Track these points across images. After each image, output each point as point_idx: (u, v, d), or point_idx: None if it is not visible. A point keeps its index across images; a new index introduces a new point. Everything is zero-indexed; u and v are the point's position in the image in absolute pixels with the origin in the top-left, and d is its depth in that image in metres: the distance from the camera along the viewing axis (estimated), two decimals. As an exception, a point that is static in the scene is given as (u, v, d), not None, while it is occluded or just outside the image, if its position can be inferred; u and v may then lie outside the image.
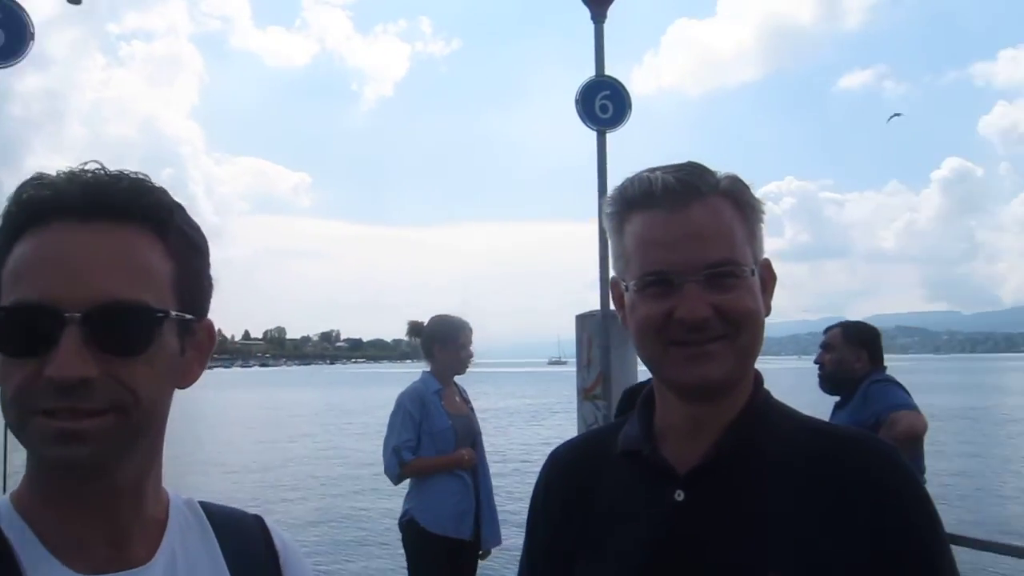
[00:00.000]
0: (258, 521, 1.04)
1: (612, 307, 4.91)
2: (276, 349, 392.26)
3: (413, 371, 5.02)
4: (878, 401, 3.76)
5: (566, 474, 1.26)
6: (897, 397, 3.77)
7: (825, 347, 4.07)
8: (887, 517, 1.01)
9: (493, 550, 4.58)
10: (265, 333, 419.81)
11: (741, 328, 1.06)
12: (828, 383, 4.06)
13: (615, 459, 1.18)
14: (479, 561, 4.55)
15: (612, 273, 1.19)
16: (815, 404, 3.86)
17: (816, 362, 4.10)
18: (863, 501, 1.02)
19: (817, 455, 1.08)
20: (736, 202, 1.10)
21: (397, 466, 4.27)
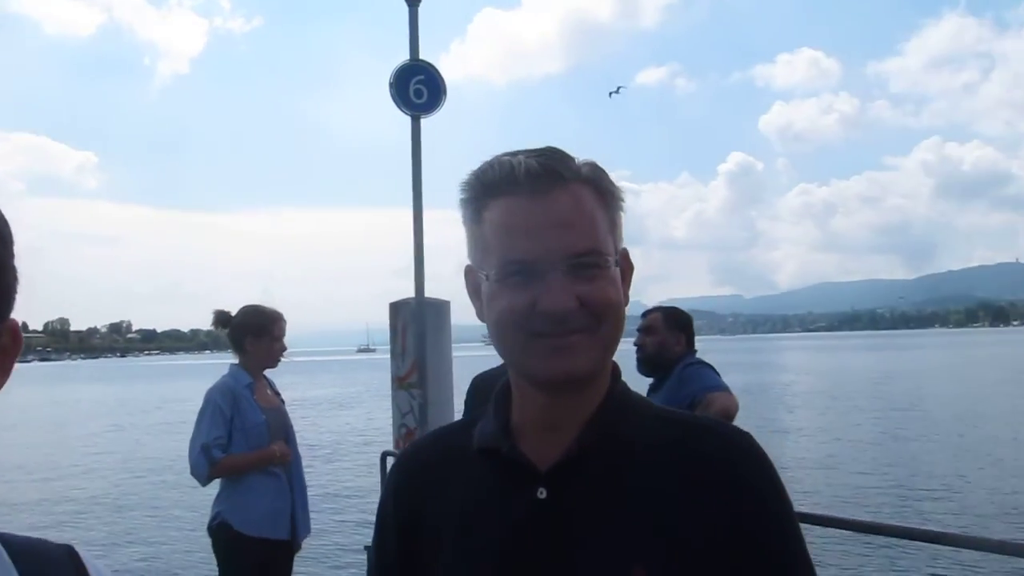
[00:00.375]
0: (69, 553, 0.86)
1: (428, 295, 4.86)
2: (59, 342, 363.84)
3: (212, 363, 4.73)
4: (693, 383, 3.91)
5: (416, 476, 1.18)
6: (711, 379, 3.94)
7: (645, 330, 4.18)
8: (745, 502, 1.01)
9: (313, 549, 4.43)
10: (46, 325, 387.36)
11: (603, 319, 1.02)
12: (647, 365, 4.18)
13: (470, 458, 1.12)
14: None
15: (468, 262, 1.11)
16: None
17: (636, 344, 4.21)
18: (722, 488, 1.01)
19: (676, 445, 1.06)
20: (597, 189, 1.05)
21: (206, 465, 4.00)
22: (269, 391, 4.38)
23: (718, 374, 4.00)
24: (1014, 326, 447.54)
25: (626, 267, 1.10)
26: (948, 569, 8.87)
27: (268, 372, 4.43)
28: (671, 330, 4.13)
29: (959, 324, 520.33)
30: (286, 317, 4.43)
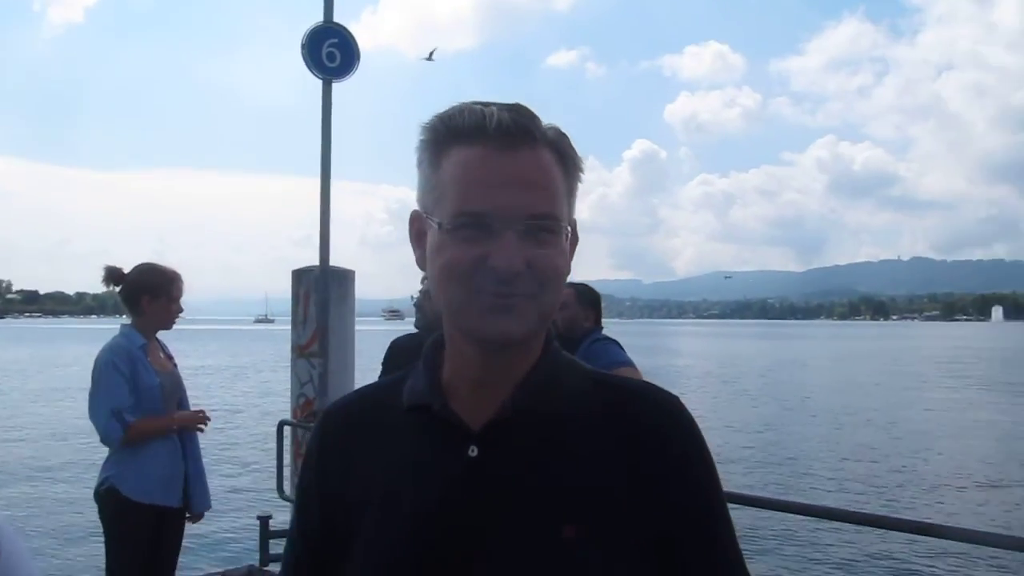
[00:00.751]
0: None
1: (332, 263, 4.77)
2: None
3: (99, 328, 4.48)
4: (600, 358, 3.97)
5: (342, 436, 1.13)
6: (618, 355, 4.01)
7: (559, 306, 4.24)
8: (673, 464, 1.03)
9: (206, 518, 4.34)
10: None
11: (547, 287, 0.99)
12: (559, 341, 4.23)
13: (399, 415, 1.08)
14: (188, 524, 4.26)
15: (416, 207, 1.06)
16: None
17: None
18: (652, 450, 1.03)
19: (607, 407, 1.06)
20: (561, 155, 1.02)
21: (120, 430, 3.80)
22: (162, 354, 4.19)
23: (623, 350, 4.08)
24: (893, 320, 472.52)
25: (574, 238, 1.07)
26: (830, 541, 9.37)
27: (161, 335, 4.27)
28: (582, 306, 4.19)
29: (843, 316, 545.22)
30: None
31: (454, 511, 1.00)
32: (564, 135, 1.04)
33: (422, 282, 4.28)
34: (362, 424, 1.13)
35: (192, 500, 4.16)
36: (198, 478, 4.21)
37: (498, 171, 0.97)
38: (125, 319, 4.17)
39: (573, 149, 1.04)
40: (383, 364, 3.67)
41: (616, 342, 4.12)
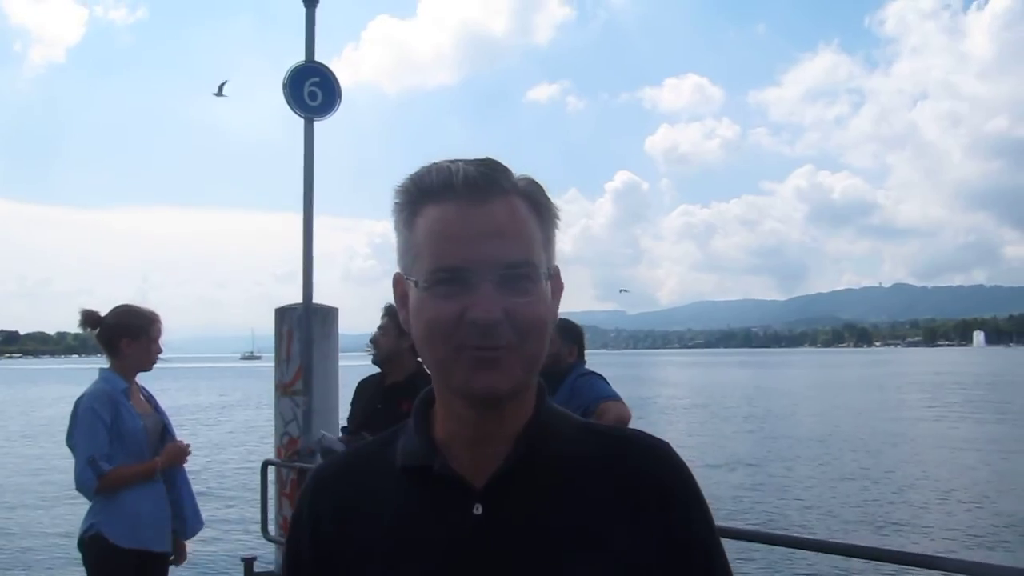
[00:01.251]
0: None
1: (316, 299, 4.76)
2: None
3: (79, 368, 4.42)
4: (586, 393, 3.96)
5: (336, 498, 1.10)
6: (603, 389, 4.00)
7: None
8: (673, 512, 1.05)
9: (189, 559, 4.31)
10: None
11: (528, 337, 0.99)
12: (541, 376, 4.20)
13: (394, 477, 1.07)
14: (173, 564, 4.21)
15: (397, 269, 1.07)
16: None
17: None
18: (651, 498, 1.04)
19: (604, 456, 1.07)
20: (535, 204, 1.04)
21: (94, 479, 3.75)
22: (142, 396, 4.15)
23: (608, 384, 4.07)
24: (876, 347, 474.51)
25: (557, 285, 1.08)
26: (822, 574, 9.31)
27: (141, 377, 4.22)
28: (565, 341, 4.18)
29: (826, 344, 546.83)
30: (164, 320, 4.20)
31: (464, 572, 1.00)
32: (537, 184, 1.05)
33: (382, 318, 4.27)
34: (355, 486, 1.10)
35: (186, 524, 4.15)
36: (189, 500, 4.19)
37: (469, 224, 0.98)
38: (104, 362, 4.10)
39: (547, 197, 1.05)
40: (351, 404, 3.61)
41: (601, 376, 4.11)
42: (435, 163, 1.02)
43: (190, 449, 4.21)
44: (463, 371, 0.98)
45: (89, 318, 4.08)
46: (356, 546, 1.06)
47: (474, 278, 0.97)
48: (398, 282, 1.07)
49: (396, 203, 1.04)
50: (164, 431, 4.17)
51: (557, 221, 1.07)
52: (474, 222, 0.98)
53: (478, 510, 1.02)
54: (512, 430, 1.05)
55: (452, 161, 1.02)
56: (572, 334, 4.25)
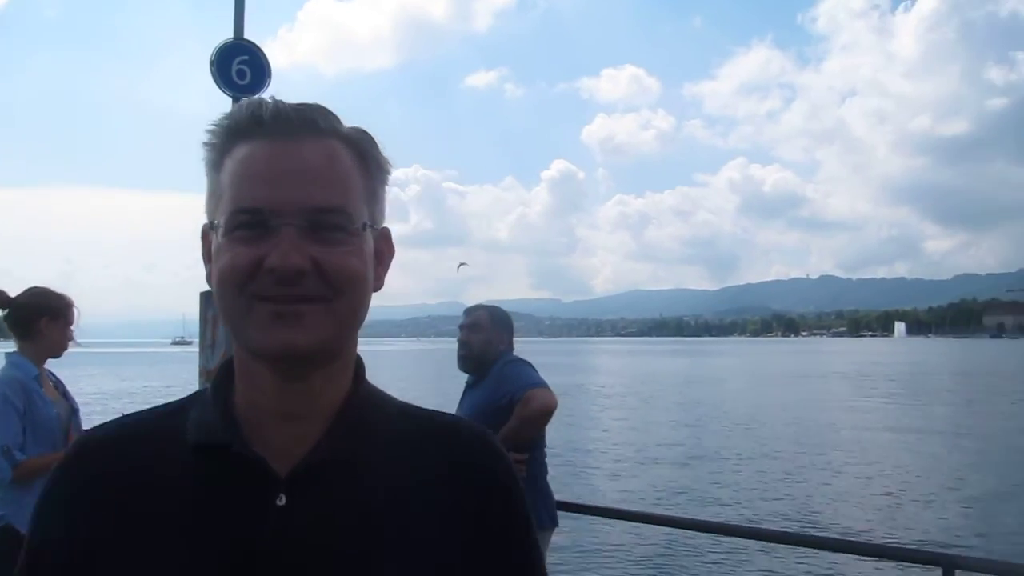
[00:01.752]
0: None
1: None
2: None
3: None
4: (513, 380, 3.95)
5: (107, 476, 0.90)
6: (531, 377, 4.00)
7: (471, 328, 4.18)
8: (492, 502, 0.97)
9: None
10: None
11: (342, 291, 0.87)
12: (472, 363, 4.18)
13: (183, 454, 0.90)
14: None
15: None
16: (431, 383, 4.01)
17: (461, 341, 4.21)
18: (473, 487, 0.96)
19: (424, 446, 0.97)
20: (360, 153, 0.92)
21: (8, 468, 3.59)
22: (51, 382, 3.97)
23: (536, 371, 4.07)
24: (803, 336, 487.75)
25: (386, 248, 0.98)
26: (741, 559, 9.52)
27: (53, 364, 4.03)
28: (496, 329, 4.17)
29: (755, 333, 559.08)
30: (82, 304, 4.02)
31: (261, 570, 0.85)
32: (367, 134, 0.94)
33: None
34: (133, 464, 0.90)
35: None
36: None
37: (276, 162, 0.86)
38: (11, 347, 3.88)
39: (377, 149, 0.94)
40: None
41: (529, 363, 4.11)
42: (249, 98, 0.91)
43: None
44: (257, 325, 0.85)
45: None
46: (129, 537, 0.87)
47: (275, 221, 0.84)
48: (205, 235, 0.92)
49: (204, 143, 0.91)
50: (74, 419, 4.02)
51: (386, 177, 0.96)
52: (281, 160, 0.86)
53: (281, 500, 0.87)
54: (324, 407, 0.92)
55: (272, 98, 0.90)
56: (503, 321, 4.24)
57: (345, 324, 0.89)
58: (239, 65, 5.47)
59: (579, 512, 4.45)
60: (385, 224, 0.98)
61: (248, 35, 5.66)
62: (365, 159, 0.93)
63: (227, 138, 0.89)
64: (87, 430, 0.97)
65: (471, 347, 4.15)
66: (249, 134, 0.88)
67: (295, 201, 0.85)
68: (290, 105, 0.89)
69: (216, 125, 0.90)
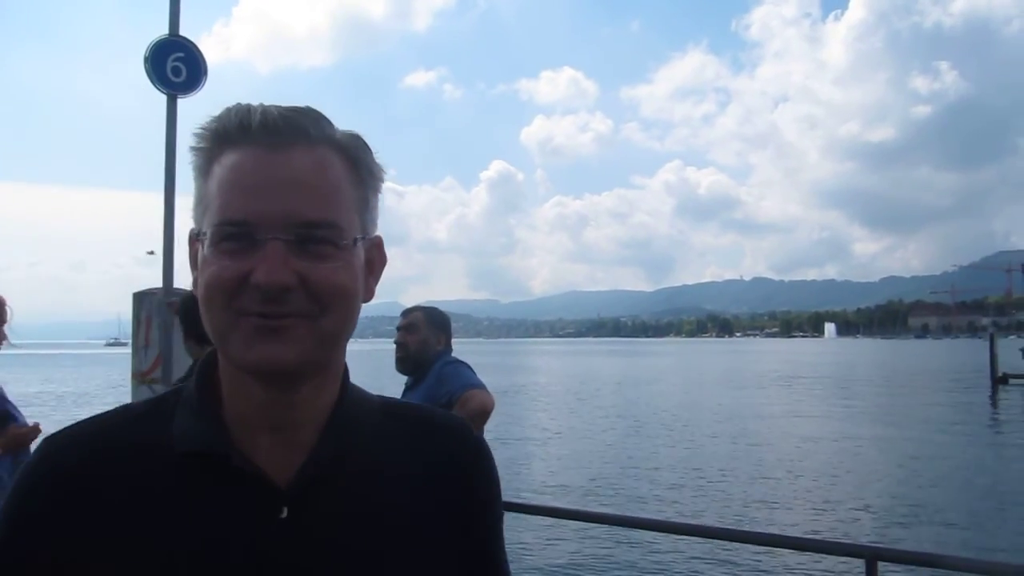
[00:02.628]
0: None
1: (177, 285, 4.57)
2: None
3: None
4: (451, 381, 3.97)
5: (85, 485, 0.85)
6: (469, 377, 4.02)
7: (408, 329, 4.17)
8: (477, 493, 1.02)
9: None
10: None
11: (329, 308, 0.84)
12: (409, 364, 4.17)
13: (169, 461, 0.86)
14: None
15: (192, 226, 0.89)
16: (371, 384, 4.02)
17: (397, 343, 4.21)
18: (457, 484, 0.99)
19: (409, 446, 0.99)
20: (352, 160, 0.89)
21: None
22: None
23: (474, 372, 4.10)
24: (737, 336, 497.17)
25: (377, 258, 0.95)
26: (676, 555, 9.69)
27: None
28: (432, 329, 4.18)
29: (691, 333, 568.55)
30: (11, 302, 3.92)
31: None
32: (359, 139, 0.91)
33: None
34: (115, 473, 0.86)
35: None
36: None
37: (263, 173, 0.83)
38: None
39: (369, 155, 0.91)
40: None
41: (466, 364, 4.14)
42: (238, 103, 0.87)
43: (39, 429, 3.86)
44: (242, 340, 0.83)
45: None
46: (120, 556, 0.82)
47: (261, 234, 0.82)
48: (192, 241, 0.89)
49: (192, 147, 0.88)
50: (7, 416, 3.93)
51: (380, 184, 0.93)
52: (269, 171, 0.83)
53: (283, 513, 0.86)
54: (314, 417, 0.91)
55: (261, 104, 0.87)
56: (439, 321, 4.26)
57: (331, 339, 0.87)
58: (174, 62, 5.36)
59: (517, 511, 4.49)
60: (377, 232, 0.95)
61: (183, 30, 5.58)
62: (357, 166, 0.90)
63: (215, 143, 0.86)
64: (52, 434, 0.90)
65: (408, 348, 4.15)
66: (237, 141, 0.85)
67: (283, 214, 0.82)
68: (279, 111, 0.85)
69: (204, 129, 0.87)
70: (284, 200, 0.82)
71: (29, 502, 0.84)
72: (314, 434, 0.91)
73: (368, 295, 0.93)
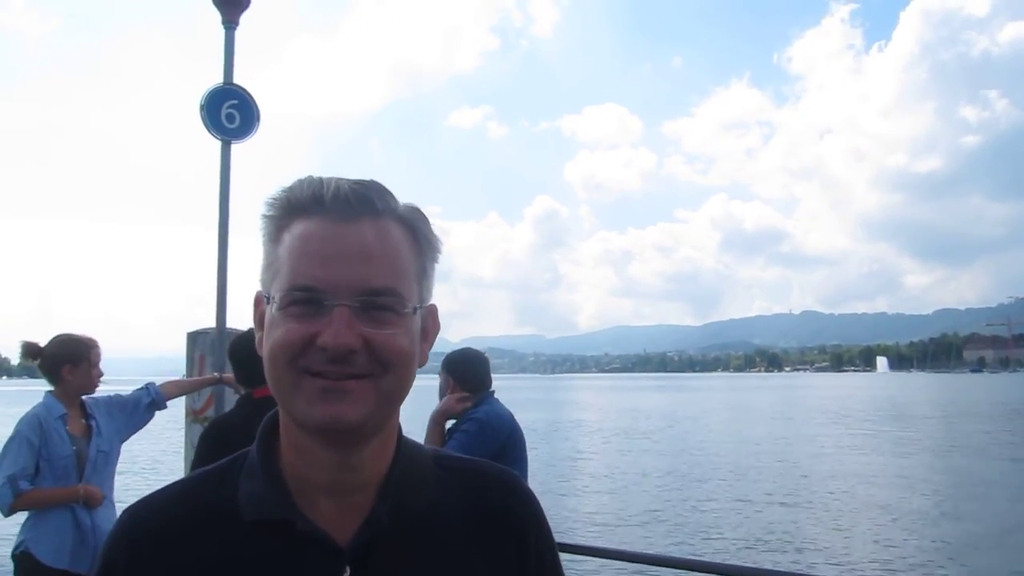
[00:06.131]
0: None
1: (230, 324, 4.69)
2: None
3: (35, 389, 4.55)
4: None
5: (162, 554, 0.92)
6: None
7: (442, 390, 4.28)
8: (531, 544, 1.05)
9: None
10: None
11: (389, 368, 0.90)
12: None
13: (237, 529, 0.93)
14: None
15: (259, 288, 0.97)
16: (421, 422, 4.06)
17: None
18: (511, 536, 1.04)
19: (463, 501, 1.04)
20: (413, 232, 0.96)
21: (11, 496, 3.95)
22: (82, 420, 4.31)
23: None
24: (787, 371, 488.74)
25: (432, 326, 1.01)
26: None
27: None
28: (459, 384, 4.22)
29: (739, 368, 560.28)
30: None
31: None
32: (419, 212, 0.98)
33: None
34: (187, 541, 0.93)
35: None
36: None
37: (333, 243, 0.89)
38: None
39: (428, 227, 0.98)
40: (201, 451, 3.22)
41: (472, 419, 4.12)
42: (309, 176, 0.95)
43: (100, 497, 4.21)
44: (306, 399, 0.89)
45: (30, 350, 4.31)
46: None
47: (329, 300, 0.88)
48: (258, 302, 0.96)
49: (264, 215, 0.95)
50: (101, 457, 4.27)
51: (437, 255, 1.00)
52: (338, 241, 0.89)
53: (347, 573, 0.92)
54: (372, 477, 0.97)
55: (330, 178, 0.94)
56: (461, 373, 4.28)
57: (390, 399, 0.93)
58: (228, 109, 5.53)
59: (566, 552, 4.46)
60: (432, 301, 1.02)
61: (236, 73, 5.74)
62: (417, 238, 0.96)
63: (286, 213, 0.93)
64: (129, 507, 0.98)
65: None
66: (308, 211, 0.91)
67: (350, 282, 0.88)
68: (349, 185, 0.92)
69: (275, 199, 0.94)
70: (351, 269, 0.89)
71: (111, 561, 0.93)
72: (372, 494, 0.97)
73: (422, 359, 0.99)
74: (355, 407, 0.89)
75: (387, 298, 0.90)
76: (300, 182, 0.94)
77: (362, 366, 0.89)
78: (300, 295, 0.89)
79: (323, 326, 0.88)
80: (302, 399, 0.89)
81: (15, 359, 4.54)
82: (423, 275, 0.97)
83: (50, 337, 4.35)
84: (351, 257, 0.89)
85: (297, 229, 0.91)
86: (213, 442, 3.08)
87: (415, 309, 0.94)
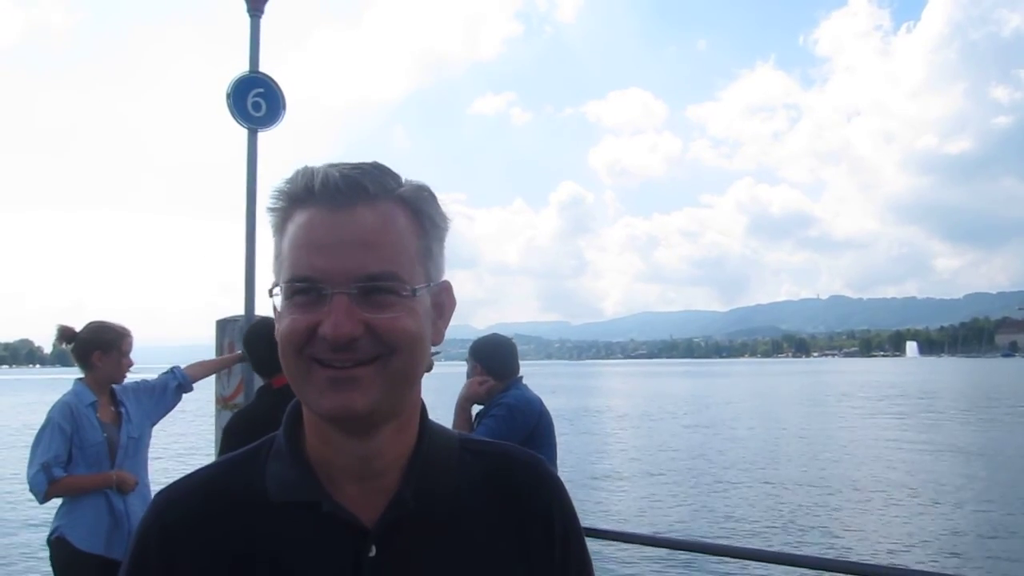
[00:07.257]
0: None
1: (258, 312, 4.75)
2: None
3: (65, 377, 4.63)
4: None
5: (201, 545, 0.94)
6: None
7: (470, 375, 4.30)
8: (557, 528, 1.06)
9: None
10: None
11: (396, 349, 0.91)
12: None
13: (271, 512, 0.96)
14: None
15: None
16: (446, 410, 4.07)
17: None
18: (537, 519, 1.05)
19: (488, 480, 1.05)
20: (414, 212, 0.95)
21: (45, 483, 4.02)
22: (112, 408, 4.36)
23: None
24: (814, 357, 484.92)
25: (447, 301, 1.01)
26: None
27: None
28: (491, 372, 4.23)
29: (766, 354, 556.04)
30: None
31: None
32: (424, 191, 0.97)
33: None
34: (223, 529, 0.95)
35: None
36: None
37: (328, 232, 0.90)
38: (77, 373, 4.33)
39: (431, 205, 0.97)
40: (226, 445, 3.39)
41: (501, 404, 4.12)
42: (305, 166, 0.95)
43: (133, 483, 4.27)
44: (316, 388, 0.91)
45: (65, 333, 4.36)
46: None
47: (327, 290, 0.89)
48: (270, 293, 0.98)
49: (269, 208, 0.96)
50: (132, 443, 4.32)
51: (443, 232, 0.99)
52: (332, 229, 0.90)
53: (372, 552, 0.94)
54: (396, 459, 0.99)
55: (330, 166, 0.94)
56: (489, 362, 4.28)
57: (401, 381, 0.93)
58: (255, 98, 5.56)
59: (592, 537, 4.47)
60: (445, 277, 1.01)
61: (261, 63, 5.76)
62: (420, 217, 0.95)
63: (287, 204, 0.94)
64: (160, 491, 1.01)
65: (483, 398, 4.23)
66: (304, 202, 0.92)
67: (347, 269, 0.89)
68: (340, 172, 0.92)
69: (278, 191, 0.95)
70: (346, 256, 0.89)
71: (141, 558, 0.96)
72: (396, 476, 0.98)
73: (437, 337, 0.99)
74: (363, 395, 0.90)
75: (385, 282, 0.91)
76: (296, 172, 0.95)
77: (368, 351, 0.90)
78: (300, 285, 0.90)
79: (324, 315, 0.89)
80: (313, 389, 0.91)
81: (47, 348, 4.66)
82: (427, 254, 0.96)
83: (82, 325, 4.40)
84: (345, 244, 0.90)
85: (296, 220, 0.93)
86: (241, 437, 3.10)
87: (418, 290, 0.93)
